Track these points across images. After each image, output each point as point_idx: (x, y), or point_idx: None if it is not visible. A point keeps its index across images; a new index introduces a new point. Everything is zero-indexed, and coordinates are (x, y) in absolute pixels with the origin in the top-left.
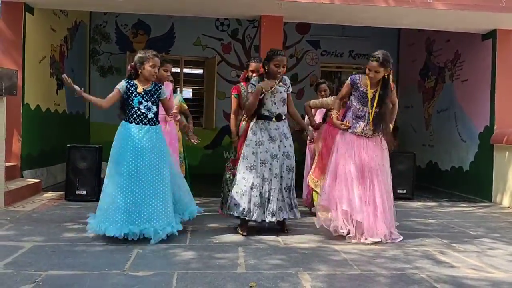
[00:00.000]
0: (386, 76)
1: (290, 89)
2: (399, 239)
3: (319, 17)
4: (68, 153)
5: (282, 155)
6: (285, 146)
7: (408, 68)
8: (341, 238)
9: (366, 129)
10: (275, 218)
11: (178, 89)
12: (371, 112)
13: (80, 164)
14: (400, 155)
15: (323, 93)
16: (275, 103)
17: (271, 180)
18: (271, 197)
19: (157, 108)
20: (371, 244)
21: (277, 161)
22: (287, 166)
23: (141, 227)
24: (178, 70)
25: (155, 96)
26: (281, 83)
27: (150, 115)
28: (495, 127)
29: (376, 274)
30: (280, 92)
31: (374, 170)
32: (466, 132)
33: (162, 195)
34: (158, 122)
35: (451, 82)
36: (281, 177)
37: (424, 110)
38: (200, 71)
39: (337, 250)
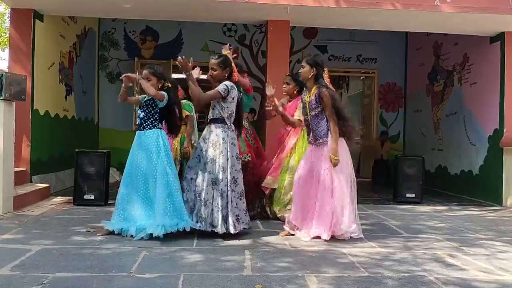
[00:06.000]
0: (315, 78)
1: (218, 88)
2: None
3: (325, 21)
4: (77, 158)
5: None
6: None
7: (416, 72)
8: (349, 241)
9: (310, 137)
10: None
11: None
12: (308, 117)
13: (88, 169)
14: (409, 159)
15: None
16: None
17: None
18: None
19: (145, 113)
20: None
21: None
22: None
23: (128, 224)
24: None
25: (144, 104)
26: None
27: (138, 121)
28: (504, 130)
29: (384, 277)
30: None
31: (316, 176)
32: (475, 135)
33: (150, 196)
34: (148, 128)
35: (460, 85)
36: None
37: (433, 114)
38: None
39: (344, 253)
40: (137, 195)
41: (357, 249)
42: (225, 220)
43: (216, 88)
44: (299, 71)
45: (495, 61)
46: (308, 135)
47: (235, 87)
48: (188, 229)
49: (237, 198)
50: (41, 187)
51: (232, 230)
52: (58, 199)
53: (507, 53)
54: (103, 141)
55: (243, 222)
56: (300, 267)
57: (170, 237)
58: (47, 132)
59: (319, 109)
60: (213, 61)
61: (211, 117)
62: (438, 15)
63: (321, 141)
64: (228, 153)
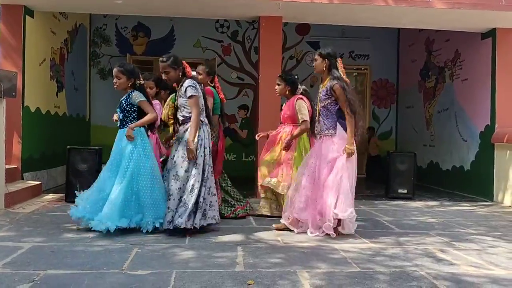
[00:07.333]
0: (328, 70)
1: (188, 94)
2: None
3: (318, 17)
4: (68, 155)
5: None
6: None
7: (408, 69)
8: (341, 237)
9: (316, 127)
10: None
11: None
12: (317, 109)
13: (80, 166)
14: (401, 155)
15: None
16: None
17: None
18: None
19: (123, 113)
20: (369, 243)
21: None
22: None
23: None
24: None
25: (124, 104)
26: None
27: (118, 123)
28: (495, 126)
29: (375, 272)
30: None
31: (318, 168)
32: (467, 131)
33: (118, 191)
34: (125, 126)
35: (451, 81)
36: None
37: (425, 110)
38: None
39: (336, 249)
40: (106, 190)
41: (349, 244)
42: (193, 216)
43: (191, 98)
44: (313, 64)
45: (486, 57)
46: (314, 126)
47: (196, 82)
48: (150, 229)
49: (207, 193)
50: (32, 184)
51: (197, 225)
52: (50, 196)
53: (498, 50)
54: (95, 138)
55: (209, 218)
56: (292, 262)
57: (162, 234)
58: (38, 129)
59: (329, 101)
60: (164, 64)
61: (184, 117)
62: (430, 11)
63: (326, 132)
64: (206, 149)
